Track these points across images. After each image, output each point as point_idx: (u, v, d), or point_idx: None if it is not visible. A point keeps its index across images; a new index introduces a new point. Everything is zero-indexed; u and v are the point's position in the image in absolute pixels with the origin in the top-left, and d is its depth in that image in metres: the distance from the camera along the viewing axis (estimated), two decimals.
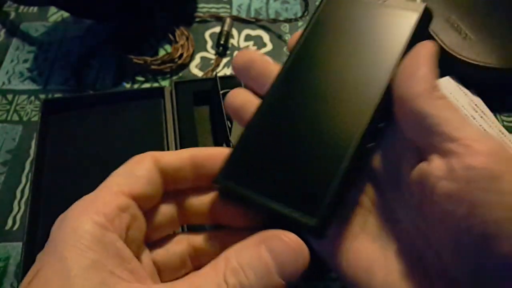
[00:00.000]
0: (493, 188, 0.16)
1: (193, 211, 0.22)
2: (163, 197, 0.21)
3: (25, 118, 0.43)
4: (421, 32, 0.22)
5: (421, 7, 0.22)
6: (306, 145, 0.21)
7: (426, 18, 0.23)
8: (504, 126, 0.42)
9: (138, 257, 0.19)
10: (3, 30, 0.51)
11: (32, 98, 0.44)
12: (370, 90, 0.21)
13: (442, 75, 0.45)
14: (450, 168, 0.17)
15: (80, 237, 0.16)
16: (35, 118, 0.43)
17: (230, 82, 0.39)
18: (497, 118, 0.42)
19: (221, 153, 0.22)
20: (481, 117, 0.42)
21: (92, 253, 0.16)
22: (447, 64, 0.45)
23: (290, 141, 0.21)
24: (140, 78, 0.46)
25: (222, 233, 0.22)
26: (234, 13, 0.52)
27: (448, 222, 0.17)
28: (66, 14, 0.52)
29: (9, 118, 0.43)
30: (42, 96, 0.44)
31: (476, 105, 0.43)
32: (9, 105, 0.44)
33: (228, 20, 0.50)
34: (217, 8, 0.53)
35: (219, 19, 0.51)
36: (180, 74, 0.46)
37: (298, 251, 0.17)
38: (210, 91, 0.41)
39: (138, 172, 0.19)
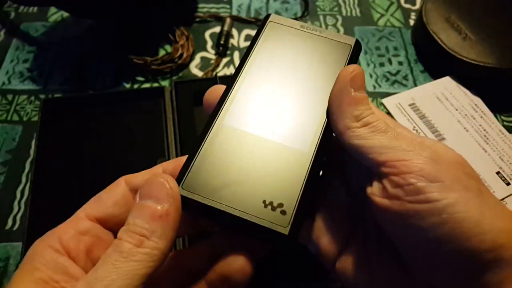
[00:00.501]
0: (420, 199, 0.18)
1: None
2: None
3: (25, 118, 0.43)
4: (352, 62, 0.25)
5: (353, 40, 0.25)
6: (266, 156, 0.21)
7: (357, 50, 0.25)
8: (504, 126, 0.42)
9: None
10: (3, 30, 0.51)
11: (32, 98, 0.44)
12: (314, 108, 0.23)
13: (442, 75, 0.45)
14: (383, 188, 0.20)
15: (32, 260, 0.19)
16: (35, 118, 0.43)
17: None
18: (497, 118, 0.42)
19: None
20: (481, 117, 0.42)
21: (39, 272, 0.18)
22: (447, 64, 0.45)
23: (249, 150, 0.21)
24: (140, 78, 0.46)
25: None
26: (234, 13, 0.52)
27: (396, 233, 0.20)
28: (66, 14, 0.52)
29: (9, 118, 0.43)
30: (42, 96, 0.44)
31: (476, 105, 0.43)
32: (9, 105, 0.44)
33: (228, 20, 0.50)
34: (217, 8, 0.53)
35: (219, 19, 0.51)
36: (180, 74, 0.46)
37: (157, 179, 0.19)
38: None
39: (106, 195, 0.22)
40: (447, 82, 0.44)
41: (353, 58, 0.25)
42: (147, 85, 0.45)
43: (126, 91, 0.44)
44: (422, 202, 0.18)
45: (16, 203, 0.37)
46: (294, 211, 0.19)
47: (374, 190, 0.20)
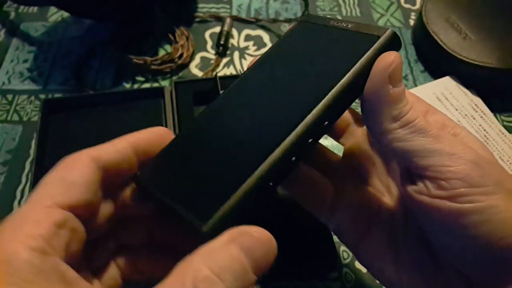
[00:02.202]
0: (463, 201, 0.18)
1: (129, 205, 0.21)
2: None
3: (25, 118, 0.43)
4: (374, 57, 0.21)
5: (383, 31, 0.21)
6: (222, 156, 0.20)
7: (391, 43, 0.21)
8: (504, 126, 0.42)
9: (79, 268, 0.17)
10: (3, 30, 0.51)
11: (32, 98, 0.44)
12: (298, 108, 0.20)
13: (442, 75, 0.45)
14: (426, 188, 0.19)
15: (17, 271, 0.14)
16: (35, 118, 0.43)
17: (230, 82, 0.38)
18: (497, 118, 0.42)
19: (158, 134, 0.21)
20: (481, 117, 0.42)
21: (33, 286, 0.14)
22: (447, 64, 0.45)
23: (211, 150, 0.21)
24: (140, 78, 0.46)
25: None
26: (234, 13, 0.52)
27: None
28: (66, 14, 0.52)
29: (9, 118, 0.43)
30: (42, 96, 0.44)
31: (476, 105, 0.43)
32: (9, 105, 0.44)
33: (228, 20, 0.50)
34: (217, 8, 0.53)
35: (219, 19, 0.51)
36: (180, 74, 0.46)
37: (268, 243, 0.17)
38: (210, 91, 0.41)
39: (73, 177, 0.18)
40: (447, 82, 0.44)
41: (377, 52, 0.21)
42: (147, 85, 0.45)
43: (126, 91, 0.44)
44: (465, 203, 0.18)
45: (16, 203, 0.37)
46: (221, 212, 0.18)
47: (416, 188, 0.20)
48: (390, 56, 0.20)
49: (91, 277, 0.20)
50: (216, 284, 0.15)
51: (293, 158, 0.19)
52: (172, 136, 0.22)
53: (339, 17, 0.52)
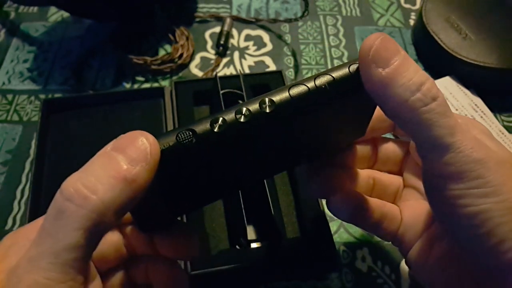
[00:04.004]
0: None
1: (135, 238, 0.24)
2: None
3: (25, 118, 0.43)
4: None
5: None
6: None
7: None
8: (504, 126, 0.42)
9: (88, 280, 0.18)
10: (3, 30, 0.51)
11: (32, 98, 0.44)
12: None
13: (442, 75, 0.45)
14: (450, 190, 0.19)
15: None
16: (35, 118, 0.43)
17: (230, 82, 0.39)
18: (497, 118, 0.42)
19: None
20: (481, 117, 0.42)
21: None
22: (447, 64, 0.45)
23: None
24: (140, 78, 0.46)
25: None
26: (234, 13, 0.52)
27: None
28: (66, 14, 0.52)
29: (9, 118, 0.43)
30: (42, 96, 0.44)
31: (476, 105, 0.43)
32: (9, 105, 0.44)
33: (228, 20, 0.50)
34: (217, 8, 0.53)
35: (219, 19, 0.51)
36: (180, 74, 0.46)
37: (137, 135, 0.17)
38: (210, 91, 0.41)
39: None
40: (447, 82, 0.44)
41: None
42: (147, 85, 0.45)
43: (126, 91, 0.44)
44: (476, 205, 0.18)
45: (16, 203, 0.37)
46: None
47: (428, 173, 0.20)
48: (369, 39, 0.18)
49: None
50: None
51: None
52: None
53: (339, 17, 0.52)
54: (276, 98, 0.18)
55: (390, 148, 0.28)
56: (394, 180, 0.28)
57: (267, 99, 0.18)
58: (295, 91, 0.19)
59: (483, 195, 0.18)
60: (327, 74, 0.19)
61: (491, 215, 0.18)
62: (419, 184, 0.26)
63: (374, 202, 0.26)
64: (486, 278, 0.21)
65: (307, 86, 0.19)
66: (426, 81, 0.18)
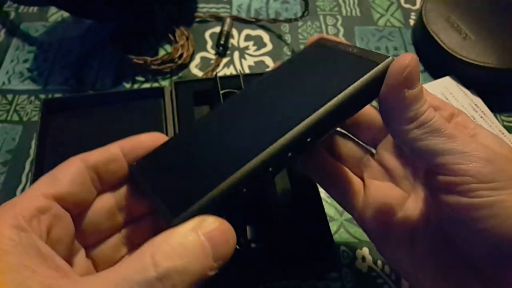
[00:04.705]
0: (472, 195, 0.19)
1: (132, 203, 0.23)
2: (100, 194, 0.22)
3: (25, 118, 0.43)
4: (374, 82, 0.21)
5: (385, 58, 0.21)
6: (206, 159, 0.22)
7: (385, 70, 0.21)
8: (504, 126, 0.42)
9: (69, 256, 0.20)
10: (3, 30, 0.51)
11: (32, 98, 0.44)
12: (283, 123, 0.21)
13: (442, 75, 0.45)
14: (439, 182, 0.20)
15: None
16: (35, 118, 0.43)
17: (230, 82, 0.39)
18: (497, 118, 0.42)
19: (153, 138, 0.23)
20: (481, 117, 0.42)
21: (10, 256, 0.16)
22: (447, 64, 0.45)
23: (196, 153, 0.22)
24: (140, 78, 0.46)
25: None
26: (234, 13, 0.52)
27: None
28: (66, 14, 0.52)
29: (9, 118, 0.43)
30: (42, 96, 0.44)
31: (476, 105, 0.43)
32: (9, 105, 0.44)
33: (228, 20, 0.50)
34: (217, 8, 0.53)
35: (219, 19, 0.51)
36: (180, 74, 0.46)
37: (229, 233, 0.18)
38: (210, 91, 0.41)
39: (61, 174, 0.20)
40: (447, 82, 0.44)
41: (372, 78, 0.21)
42: (147, 85, 0.45)
43: (126, 91, 0.44)
44: (474, 197, 0.19)
45: None
46: (191, 210, 0.19)
47: (434, 185, 0.21)
48: (405, 59, 0.20)
49: (86, 257, 0.22)
50: (173, 258, 0.16)
51: (270, 169, 0.21)
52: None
53: (339, 17, 0.52)
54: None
55: (372, 114, 0.27)
56: (360, 149, 0.28)
57: None
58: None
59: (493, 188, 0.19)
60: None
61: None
62: (392, 165, 0.26)
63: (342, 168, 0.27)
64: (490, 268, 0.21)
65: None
66: (429, 112, 0.20)
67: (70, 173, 0.20)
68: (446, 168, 0.20)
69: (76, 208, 0.21)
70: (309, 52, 0.26)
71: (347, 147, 0.28)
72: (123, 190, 0.23)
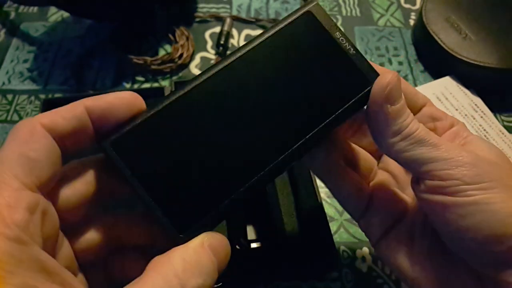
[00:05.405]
0: (458, 195, 0.20)
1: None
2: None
3: (25, 118, 0.43)
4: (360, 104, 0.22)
5: (375, 76, 0.21)
6: (206, 161, 0.20)
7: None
8: (504, 126, 0.42)
9: (57, 250, 0.18)
10: (3, 30, 0.51)
11: (32, 98, 0.44)
12: (289, 133, 0.21)
13: (442, 75, 0.45)
14: (425, 186, 0.21)
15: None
16: None
17: None
18: (497, 118, 0.42)
19: (124, 102, 0.19)
20: (481, 117, 0.42)
21: (14, 278, 0.14)
22: (447, 64, 0.45)
23: (203, 152, 0.20)
24: (140, 78, 0.46)
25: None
26: (234, 13, 0.52)
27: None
28: (66, 14, 0.52)
29: (9, 118, 0.43)
30: (42, 96, 0.44)
31: (476, 105, 0.43)
32: (9, 105, 0.44)
33: (228, 20, 0.50)
34: (217, 8, 0.53)
35: (219, 19, 0.51)
36: (180, 74, 0.46)
37: (227, 246, 0.20)
38: None
39: (34, 154, 0.16)
40: (447, 82, 0.44)
41: (367, 96, 0.21)
42: (147, 85, 0.45)
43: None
44: (460, 196, 0.20)
45: None
46: (198, 226, 0.19)
47: (421, 188, 0.22)
48: (386, 77, 0.21)
49: (77, 271, 0.20)
50: (195, 277, 0.17)
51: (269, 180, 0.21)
52: (144, 106, 0.20)
53: (339, 17, 0.52)
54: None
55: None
56: (370, 159, 0.28)
57: None
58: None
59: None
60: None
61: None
62: (397, 172, 0.27)
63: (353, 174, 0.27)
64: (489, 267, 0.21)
65: None
66: (413, 124, 0.21)
67: (45, 151, 0.17)
68: (433, 175, 0.20)
69: (53, 195, 0.18)
70: (298, 31, 0.22)
71: (360, 154, 0.28)
72: (91, 174, 0.20)
